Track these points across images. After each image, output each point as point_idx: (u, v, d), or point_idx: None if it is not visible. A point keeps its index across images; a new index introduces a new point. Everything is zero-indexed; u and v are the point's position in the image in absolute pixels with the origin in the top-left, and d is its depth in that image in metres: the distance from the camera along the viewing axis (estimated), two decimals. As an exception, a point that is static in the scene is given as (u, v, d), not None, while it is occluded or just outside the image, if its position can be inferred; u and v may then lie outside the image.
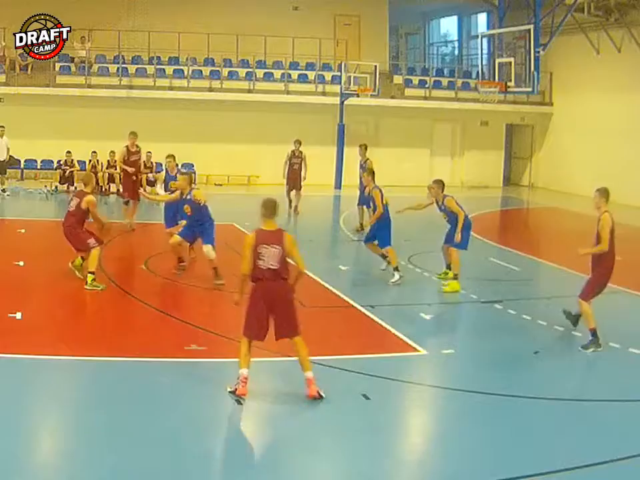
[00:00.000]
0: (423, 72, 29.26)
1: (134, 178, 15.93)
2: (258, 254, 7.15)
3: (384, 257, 12.92)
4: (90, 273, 10.98)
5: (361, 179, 16.00)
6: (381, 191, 12.79)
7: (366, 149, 17.47)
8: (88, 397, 7.30)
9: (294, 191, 19.31)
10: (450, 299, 11.65)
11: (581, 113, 25.96)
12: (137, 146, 16.13)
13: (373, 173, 13.44)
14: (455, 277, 11.76)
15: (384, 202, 12.66)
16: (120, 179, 17.67)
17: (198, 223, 11.68)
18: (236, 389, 7.22)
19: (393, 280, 12.30)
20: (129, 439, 6.38)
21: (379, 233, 12.72)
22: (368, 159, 17.30)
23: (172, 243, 11.93)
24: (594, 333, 9.22)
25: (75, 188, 22.16)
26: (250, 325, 7.30)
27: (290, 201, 19.25)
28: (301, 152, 19.45)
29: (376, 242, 12.81)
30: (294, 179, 19.39)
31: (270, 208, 7.32)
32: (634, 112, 23.33)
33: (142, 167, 16.27)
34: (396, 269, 12.38)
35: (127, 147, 16.04)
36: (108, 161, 22.41)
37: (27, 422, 6.61)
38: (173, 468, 5.94)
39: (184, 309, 10.32)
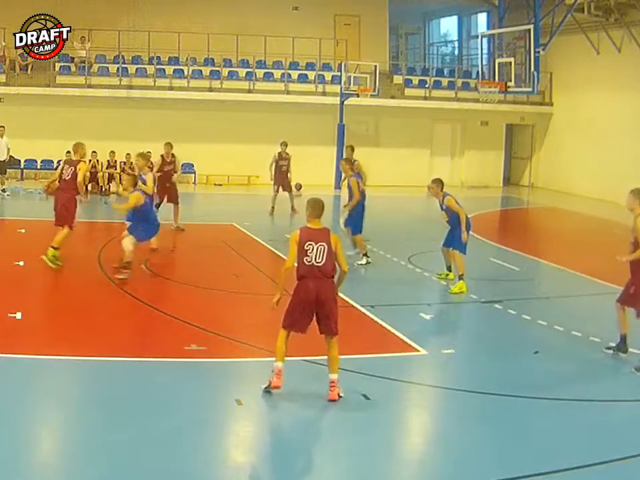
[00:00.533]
0: (423, 72, 29.27)
1: (167, 185, 15.86)
2: (305, 251, 7.23)
3: (354, 245, 13.56)
4: (55, 248, 11.67)
5: (347, 182, 15.98)
6: (358, 180, 13.29)
7: (353, 150, 17.08)
8: (88, 396, 7.30)
9: (282, 191, 19.28)
10: (450, 298, 11.66)
11: (581, 113, 25.96)
12: (173, 155, 16.13)
13: (351, 161, 14.02)
14: (461, 278, 11.75)
15: (361, 189, 13.24)
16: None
17: (141, 220, 11.93)
18: (270, 382, 7.33)
19: (360, 262, 13.12)
20: (128, 438, 6.38)
21: (352, 220, 13.34)
22: (356, 160, 17.10)
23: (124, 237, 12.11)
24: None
25: None
26: (290, 316, 7.34)
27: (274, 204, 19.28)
28: (287, 153, 19.35)
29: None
30: (282, 180, 19.35)
31: (317, 208, 7.40)
32: (634, 112, 23.32)
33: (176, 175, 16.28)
34: (365, 254, 13.24)
35: (162, 156, 16.03)
36: (108, 161, 22.44)
37: (26, 422, 6.61)
38: (172, 468, 5.94)
39: (184, 309, 10.31)
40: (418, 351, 9.00)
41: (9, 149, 21.30)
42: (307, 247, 7.21)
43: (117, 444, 6.25)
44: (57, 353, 8.18)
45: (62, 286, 11.34)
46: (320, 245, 7.22)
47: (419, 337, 9.43)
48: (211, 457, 6.26)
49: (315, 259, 7.21)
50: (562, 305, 11.73)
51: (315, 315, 7.30)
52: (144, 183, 12.49)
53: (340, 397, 7.30)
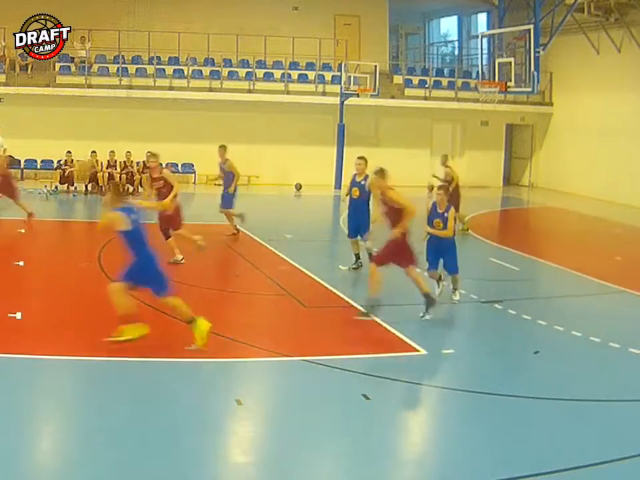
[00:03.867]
0: (423, 72, 29.26)
1: None
2: None
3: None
4: None
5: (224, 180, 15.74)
6: None
7: (225, 149, 15.72)
8: (88, 397, 7.30)
9: None
10: (450, 298, 11.63)
11: (581, 113, 25.95)
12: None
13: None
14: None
15: None
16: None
17: None
18: None
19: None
20: (128, 439, 6.38)
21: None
22: (228, 159, 15.77)
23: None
24: None
25: (75, 188, 22.15)
26: None
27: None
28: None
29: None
30: None
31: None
32: (634, 112, 23.32)
33: None
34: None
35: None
36: (108, 161, 22.37)
37: (26, 422, 6.61)
38: (172, 468, 5.94)
39: (184, 309, 10.28)
40: (418, 351, 9.00)
41: (5, 149, 21.20)
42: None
43: (116, 444, 6.25)
44: (56, 353, 8.18)
45: (62, 286, 11.33)
46: None
47: (419, 337, 9.42)
48: (211, 457, 6.26)
49: None
50: (562, 304, 11.72)
51: None
52: None
53: None
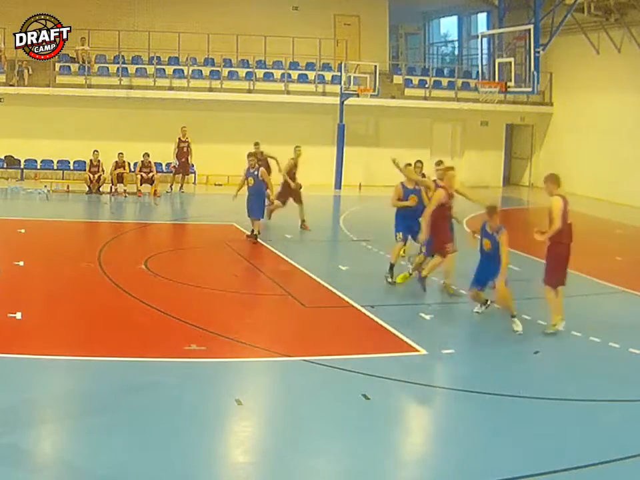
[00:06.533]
0: (423, 72, 29.24)
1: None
2: None
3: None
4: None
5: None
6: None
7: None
8: (88, 397, 7.30)
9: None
10: (450, 298, 11.64)
11: (581, 113, 25.95)
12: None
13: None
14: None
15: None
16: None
17: None
18: None
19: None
20: (128, 438, 6.38)
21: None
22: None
23: None
24: None
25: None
26: None
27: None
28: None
29: None
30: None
31: None
32: (634, 112, 23.31)
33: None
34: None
35: (293, 159, 17.60)
36: (116, 161, 22.07)
37: (26, 422, 6.61)
38: (172, 468, 5.94)
39: (184, 309, 10.31)
40: (418, 351, 9.00)
41: None
42: None
43: (116, 444, 6.25)
44: (56, 353, 8.18)
45: (62, 286, 11.33)
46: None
47: (419, 337, 9.43)
48: (211, 457, 6.26)
49: None
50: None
51: None
52: None
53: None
